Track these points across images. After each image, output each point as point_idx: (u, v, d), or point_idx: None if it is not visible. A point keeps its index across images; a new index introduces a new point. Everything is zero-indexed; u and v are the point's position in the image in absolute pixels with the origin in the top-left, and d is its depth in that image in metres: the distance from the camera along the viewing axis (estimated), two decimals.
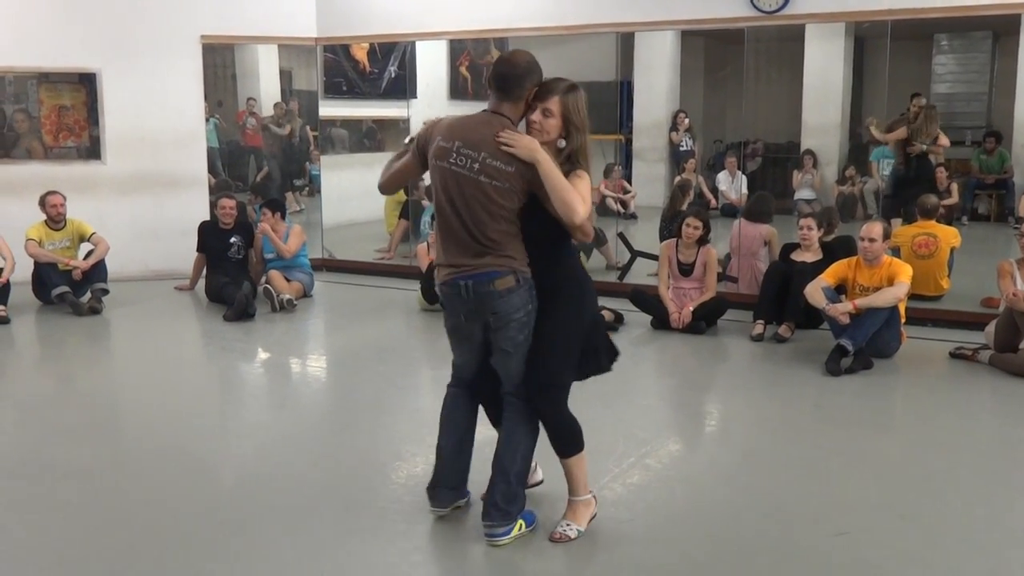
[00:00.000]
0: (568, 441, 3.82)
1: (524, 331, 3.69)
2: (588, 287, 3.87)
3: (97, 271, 8.48)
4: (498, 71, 3.65)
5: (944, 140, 9.61)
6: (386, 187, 4.02)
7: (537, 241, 3.68)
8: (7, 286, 8.00)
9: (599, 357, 3.89)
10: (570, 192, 3.52)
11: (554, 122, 3.63)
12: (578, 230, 3.65)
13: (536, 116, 3.64)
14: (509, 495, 3.81)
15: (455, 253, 3.68)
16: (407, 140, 3.99)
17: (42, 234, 8.45)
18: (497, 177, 3.56)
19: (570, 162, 3.66)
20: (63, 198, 8.50)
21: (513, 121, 3.65)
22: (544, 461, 4.13)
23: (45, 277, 8.35)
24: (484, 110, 3.72)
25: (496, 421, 4.06)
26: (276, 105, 13.20)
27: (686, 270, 7.65)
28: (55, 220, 8.46)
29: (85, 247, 8.71)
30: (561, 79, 3.71)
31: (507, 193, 3.58)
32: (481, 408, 4.09)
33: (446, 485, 4.04)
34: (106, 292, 8.43)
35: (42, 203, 8.47)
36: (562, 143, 3.67)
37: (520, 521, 3.86)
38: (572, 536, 3.84)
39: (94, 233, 8.64)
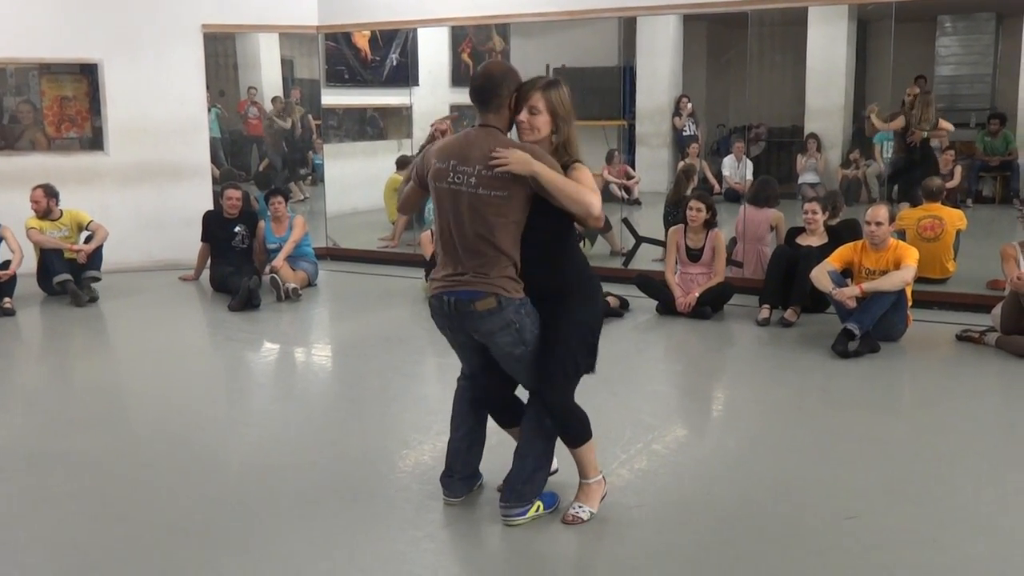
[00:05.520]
0: (576, 433, 3.86)
1: (519, 346, 3.70)
2: (596, 284, 3.90)
3: (92, 259, 8.49)
4: (474, 86, 3.69)
5: (946, 124, 9.60)
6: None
7: (541, 242, 3.68)
8: (13, 279, 8.00)
9: (594, 357, 3.90)
10: (579, 190, 3.55)
11: (543, 119, 3.66)
12: (592, 220, 3.67)
13: (524, 116, 3.66)
14: (524, 478, 3.86)
15: (447, 267, 3.72)
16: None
17: (41, 225, 8.46)
18: (496, 187, 3.57)
19: (561, 153, 3.68)
20: (43, 192, 8.47)
21: (501, 130, 3.68)
22: (557, 450, 4.12)
23: (49, 265, 8.36)
24: (472, 126, 3.76)
25: (504, 424, 4.08)
26: (275, 99, 13.21)
27: (695, 255, 7.62)
28: (38, 216, 8.47)
29: (84, 237, 8.71)
30: (540, 77, 3.76)
31: (509, 201, 3.58)
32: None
33: (459, 475, 4.07)
34: (97, 280, 8.44)
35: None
36: (553, 137, 3.69)
37: (539, 503, 3.90)
38: (585, 518, 3.87)
39: (92, 221, 8.65)
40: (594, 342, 3.83)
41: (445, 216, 3.69)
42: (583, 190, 3.56)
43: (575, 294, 3.75)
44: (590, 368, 3.85)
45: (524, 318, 3.67)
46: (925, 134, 9.16)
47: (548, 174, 3.53)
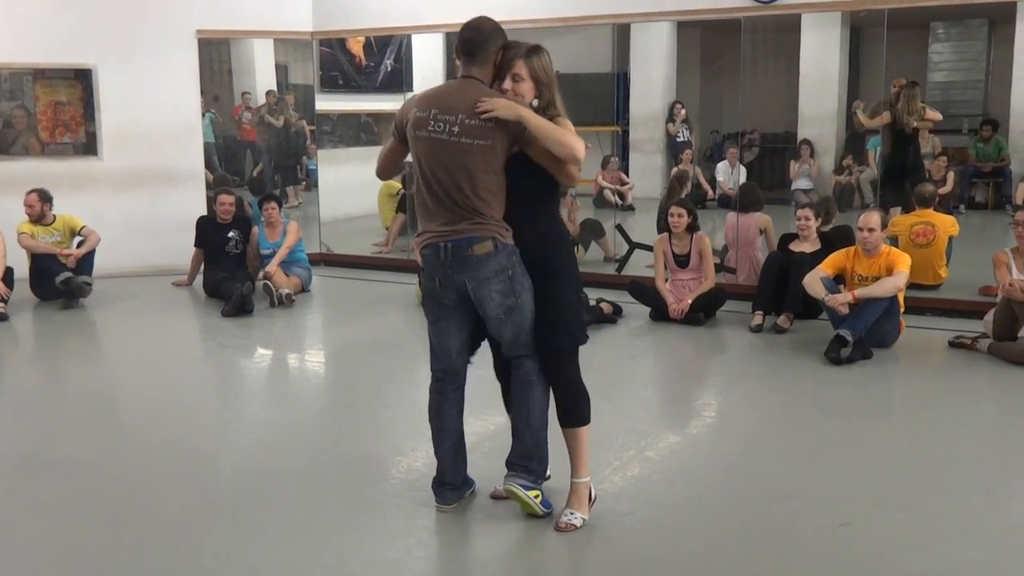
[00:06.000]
0: (580, 410, 3.85)
1: (510, 297, 3.70)
2: (574, 255, 3.98)
3: (83, 265, 8.47)
4: (464, 37, 3.73)
5: (933, 114, 9.55)
6: (381, 172, 4.16)
7: (524, 201, 3.72)
8: (7, 282, 8.01)
9: (584, 327, 3.95)
10: (564, 133, 3.61)
11: (526, 85, 3.71)
12: (568, 173, 3.70)
13: (507, 84, 3.71)
14: (526, 453, 3.86)
15: (436, 219, 3.72)
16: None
17: (33, 230, 8.45)
18: (479, 136, 3.60)
19: (546, 115, 3.71)
20: (37, 197, 8.46)
21: (484, 83, 3.72)
22: (550, 457, 4.12)
23: (46, 268, 8.35)
24: (455, 78, 3.81)
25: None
26: (268, 93, 13.15)
27: (682, 261, 7.63)
28: (31, 220, 8.46)
29: (77, 241, 8.70)
30: (519, 42, 3.80)
31: (491, 150, 3.61)
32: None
33: (450, 484, 4.06)
34: (88, 284, 8.41)
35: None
36: (535, 102, 3.73)
37: (540, 492, 3.90)
38: (578, 525, 3.85)
39: (84, 226, 8.64)
40: (580, 311, 3.89)
41: (427, 166, 3.70)
42: (568, 133, 3.63)
43: (561, 262, 3.79)
44: (584, 338, 3.88)
45: (516, 266, 3.70)
46: (915, 123, 9.12)
47: (534, 117, 3.59)
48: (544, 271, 3.75)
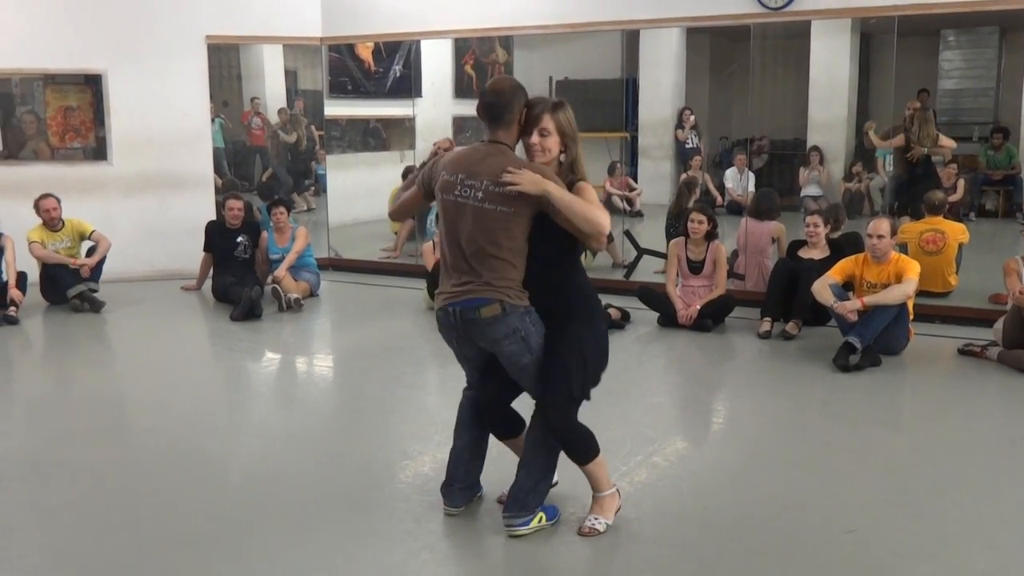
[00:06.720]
0: (582, 451, 3.88)
1: (526, 355, 3.71)
2: (598, 307, 3.95)
3: (92, 271, 8.52)
4: (486, 102, 3.73)
5: (947, 141, 9.57)
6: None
7: (544, 264, 3.71)
8: (23, 285, 8.06)
9: (590, 382, 3.88)
10: (590, 208, 3.59)
11: (553, 139, 3.71)
12: (597, 240, 3.70)
13: (535, 139, 3.71)
14: (528, 488, 3.86)
15: (451, 279, 3.75)
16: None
17: (43, 236, 8.49)
18: (502, 202, 3.60)
19: (567, 172, 3.73)
20: (56, 201, 8.52)
21: (510, 147, 3.73)
22: (560, 463, 4.11)
23: (58, 278, 8.40)
24: (481, 141, 3.79)
25: (501, 435, 4.08)
26: (280, 111, 13.22)
27: (696, 267, 7.63)
28: (49, 224, 8.50)
29: (86, 245, 8.75)
30: (543, 98, 3.80)
31: (515, 217, 3.61)
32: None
33: (460, 485, 4.07)
34: (95, 291, 8.46)
35: (36, 207, 8.50)
36: (562, 156, 3.74)
37: (541, 514, 3.91)
38: (601, 530, 3.88)
39: (94, 231, 8.68)
40: (594, 367, 3.82)
41: (450, 228, 3.72)
42: (594, 209, 3.61)
43: (576, 317, 3.76)
44: (585, 395, 3.83)
45: (529, 326, 3.69)
46: (925, 150, 9.14)
47: (559, 193, 3.57)
48: (556, 330, 3.73)
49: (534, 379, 3.76)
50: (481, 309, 3.64)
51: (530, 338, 3.69)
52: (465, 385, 4.10)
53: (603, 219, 3.60)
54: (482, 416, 4.03)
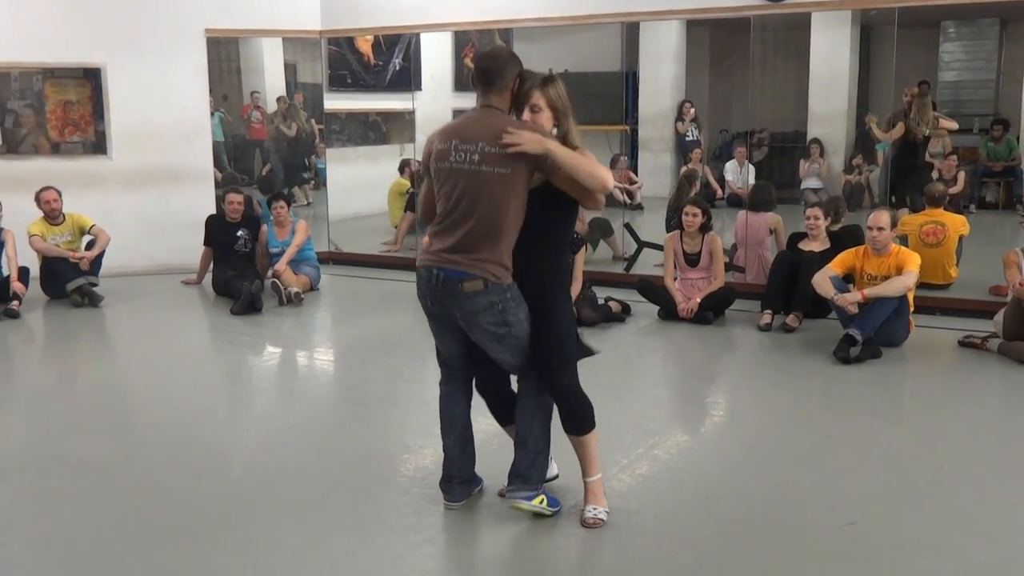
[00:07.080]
0: (584, 418, 3.87)
1: (502, 327, 3.70)
2: (568, 289, 4.02)
3: (92, 265, 8.51)
4: (480, 66, 3.73)
5: (947, 123, 9.56)
6: (424, 217, 4.01)
7: (532, 240, 3.70)
8: (23, 282, 8.06)
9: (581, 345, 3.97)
10: (593, 164, 3.61)
11: (545, 115, 3.71)
12: (595, 200, 3.71)
13: (526, 115, 3.71)
14: (528, 461, 3.86)
15: (440, 243, 3.72)
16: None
17: (43, 229, 8.49)
18: (500, 164, 3.58)
19: (565, 145, 3.70)
20: (57, 193, 8.53)
21: (504, 112, 3.72)
22: (556, 456, 4.12)
23: (57, 271, 8.40)
24: (474, 108, 3.78)
25: (502, 420, 4.10)
26: (280, 99, 13.18)
27: (692, 260, 7.62)
28: (51, 216, 8.50)
29: (86, 240, 8.73)
30: (534, 73, 3.78)
31: (511, 178, 3.59)
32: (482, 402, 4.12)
33: (457, 480, 4.07)
34: (94, 285, 8.46)
35: (37, 200, 8.49)
36: (554, 131, 3.73)
37: (543, 496, 3.90)
38: (604, 519, 3.89)
39: (94, 225, 8.68)
40: (574, 337, 3.88)
41: (447, 196, 3.69)
42: (596, 164, 3.62)
43: (552, 300, 3.79)
44: (585, 351, 3.91)
45: (508, 301, 3.69)
46: (927, 132, 9.13)
47: (561, 150, 3.57)
48: (537, 307, 3.75)
49: (512, 350, 3.76)
50: (464, 283, 3.64)
51: (507, 311, 3.68)
52: (440, 379, 4.09)
53: (607, 175, 3.62)
54: (457, 411, 4.03)
